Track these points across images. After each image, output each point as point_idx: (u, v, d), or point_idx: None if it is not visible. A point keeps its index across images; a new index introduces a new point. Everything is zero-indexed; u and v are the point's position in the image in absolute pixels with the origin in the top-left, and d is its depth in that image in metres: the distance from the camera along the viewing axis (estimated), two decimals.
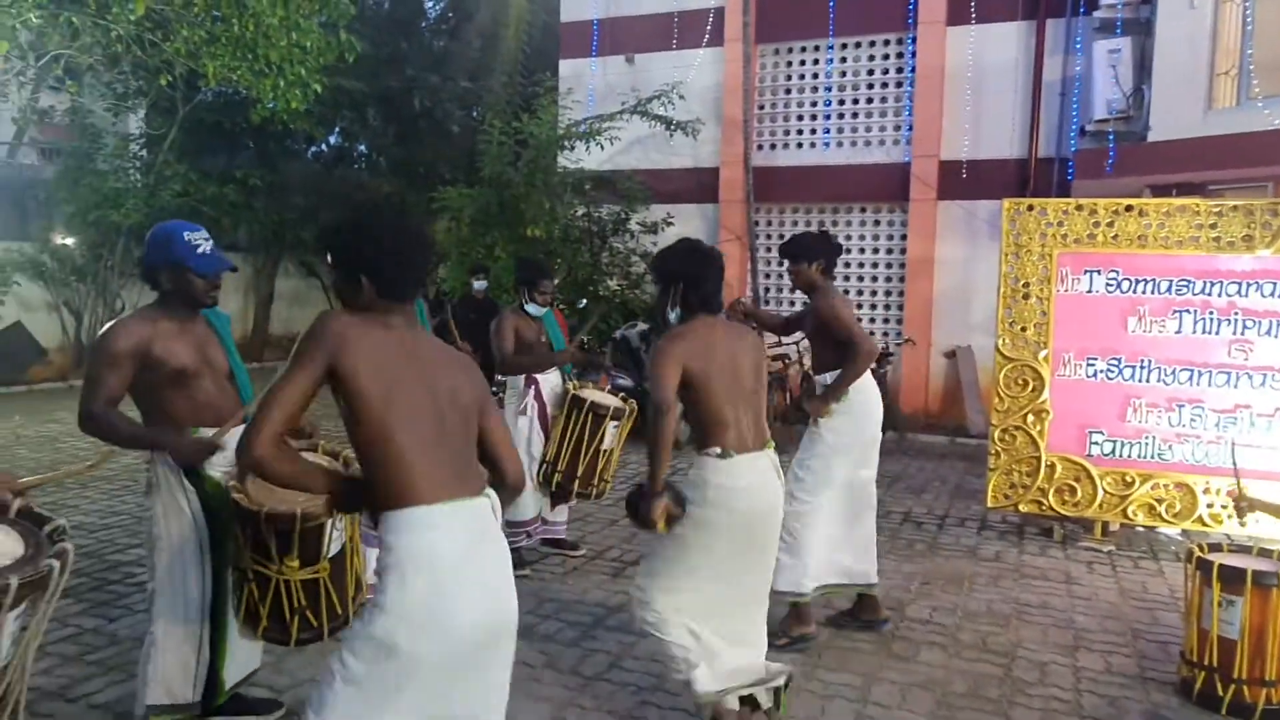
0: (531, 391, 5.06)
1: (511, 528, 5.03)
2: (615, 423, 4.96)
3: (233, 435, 3.04)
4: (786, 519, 3.36)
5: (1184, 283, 5.55)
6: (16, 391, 11.45)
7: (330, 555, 2.93)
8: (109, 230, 12.15)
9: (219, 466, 2.96)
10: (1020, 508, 5.90)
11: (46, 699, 3.36)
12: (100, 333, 2.89)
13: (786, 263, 4.40)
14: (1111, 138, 8.68)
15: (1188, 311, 5.56)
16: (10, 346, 11.89)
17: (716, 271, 3.12)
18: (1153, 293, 5.62)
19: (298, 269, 16.58)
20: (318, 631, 3.00)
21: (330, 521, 2.87)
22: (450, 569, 2.00)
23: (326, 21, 9.63)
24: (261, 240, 15.33)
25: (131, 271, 12.83)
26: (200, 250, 2.90)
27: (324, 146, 16.60)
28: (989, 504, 5.96)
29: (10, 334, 11.91)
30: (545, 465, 4.98)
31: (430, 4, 17.13)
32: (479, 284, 9.03)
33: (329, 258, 2.21)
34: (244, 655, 3.14)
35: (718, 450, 2.96)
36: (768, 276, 11.15)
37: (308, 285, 16.79)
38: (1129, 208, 5.67)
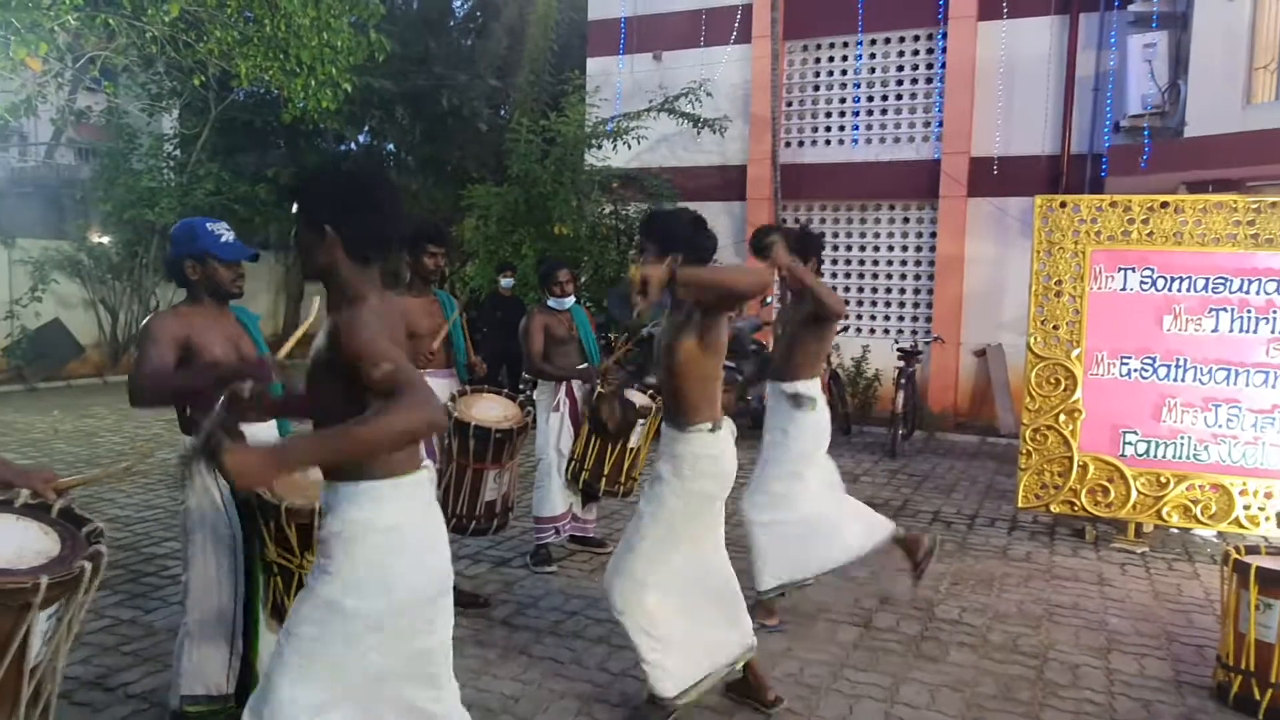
0: (563, 389, 5.08)
1: (540, 523, 5.06)
2: (642, 421, 4.97)
3: (264, 428, 3.09)
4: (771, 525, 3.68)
5: (1221, 280, 5.46)
6: (55, 387, 11.67)
7: None
8: (144, 229, 12.36)
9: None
10: (1052, 508, 5.83)
11: (85, 688, 3.43)
12: (142, 325, 2.96)
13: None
14: (1146, 133, 8.55)
15: (1225, 310, 5.46)
16: (49, 343, 12.13)
17: (712, 252, 3.23)
18: (1189, 291, 5.53)
19: None
20: None
21: None
22: (400, 539, 2.03)
23: (357, 21, 9.72)
24: (292, 238, 15.46)
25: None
26: (223, 239, 2.97)
27: (353, 145, 16.73)
28: (1020, 504, 5.90)
29: (49, 331, 12.15)
30: (573, 463, 5.00)
31: (458, 3, 17.20)
32: (506, 281, 9.08)
33: (294, 207, 2.09)
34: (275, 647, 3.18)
35: (708, 425, 3.12)
36: None
37: None
38: (1164, 204, 5.58)
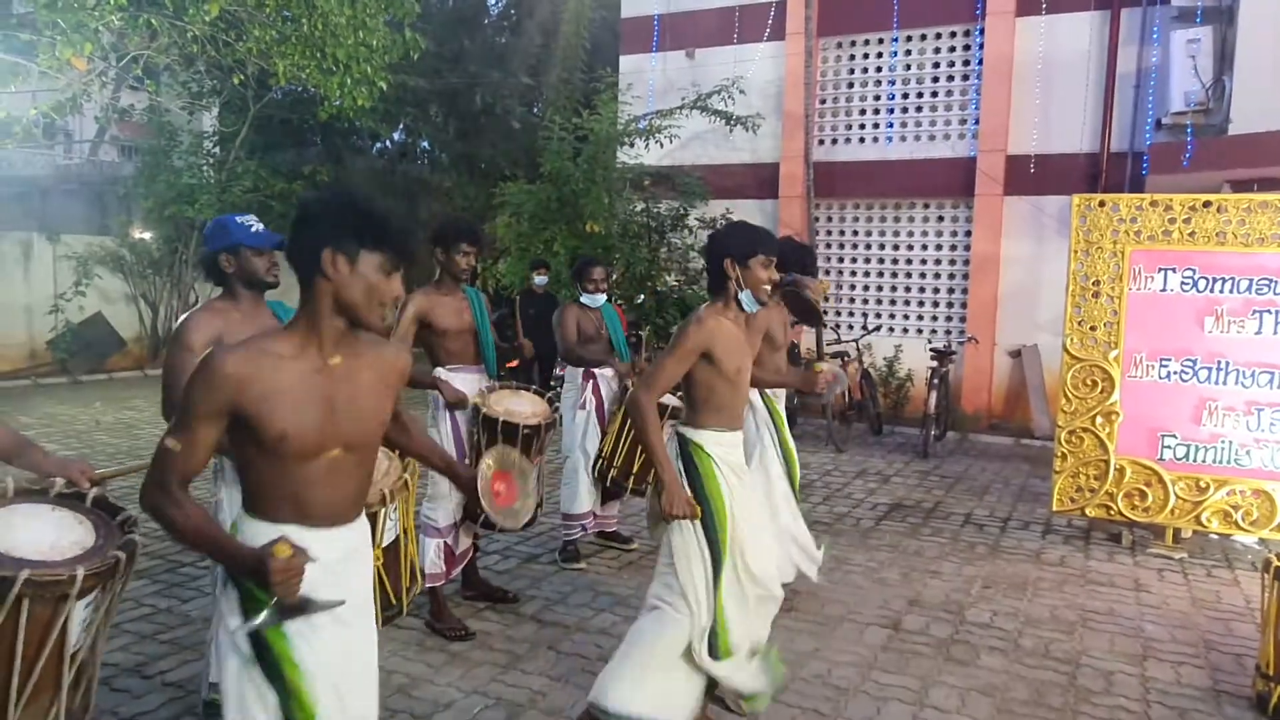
0: (589, 386, 5.10)
1: (568, 520, 5.09)
2: (673, 422, 4.95)
3: None
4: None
5: (1265, 282, 5.33)
6: (97, 379, 11.93)
7: (384, 544, 3.00)
8: (183, 225, 12.58)
9: None
10: (1087, 512, 5.74)
11: (123, 675, 3.50)
12: (175, 327, 2.99)
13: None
14: (1189, 131, 8.36)
15: (1269, 312, 5.33)
16: (91, 336, 12.40)
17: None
18: (1231, 292, 5.41)
19: None
20: None
21: (384, 511, 2.94)
22: None
23: (392, 20, 9.81)
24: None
25: None
26: (253, 229, 3.02)
27: (388, 143, 16.90)
28: (1054, 507, 5.82)
29: (91, 324, 12.42)
30: (601, 461, 5.02)
31: (492, 1, 17.31)
32: (539, 279, 9.12)
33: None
34: None
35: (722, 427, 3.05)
36: (827, 273, 11.02)
37: None
38: (1207, 204, 5.46)
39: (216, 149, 13.74)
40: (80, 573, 1.94)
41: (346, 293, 1.85)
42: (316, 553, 1.85)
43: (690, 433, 3.06)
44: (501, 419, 4.00)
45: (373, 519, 2.92)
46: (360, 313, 1.87)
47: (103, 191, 13.85)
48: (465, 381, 4.16)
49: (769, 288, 3.06)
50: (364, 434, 1.98)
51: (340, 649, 1.94)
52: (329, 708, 1.89)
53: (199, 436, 1.82)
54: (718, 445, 3.02)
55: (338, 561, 1.94)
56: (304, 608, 1.83)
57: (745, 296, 3.02)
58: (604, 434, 5.06)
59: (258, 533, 1.87)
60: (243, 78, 10.17)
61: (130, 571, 2.11)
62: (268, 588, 1.77)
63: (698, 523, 2.94)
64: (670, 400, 5.05)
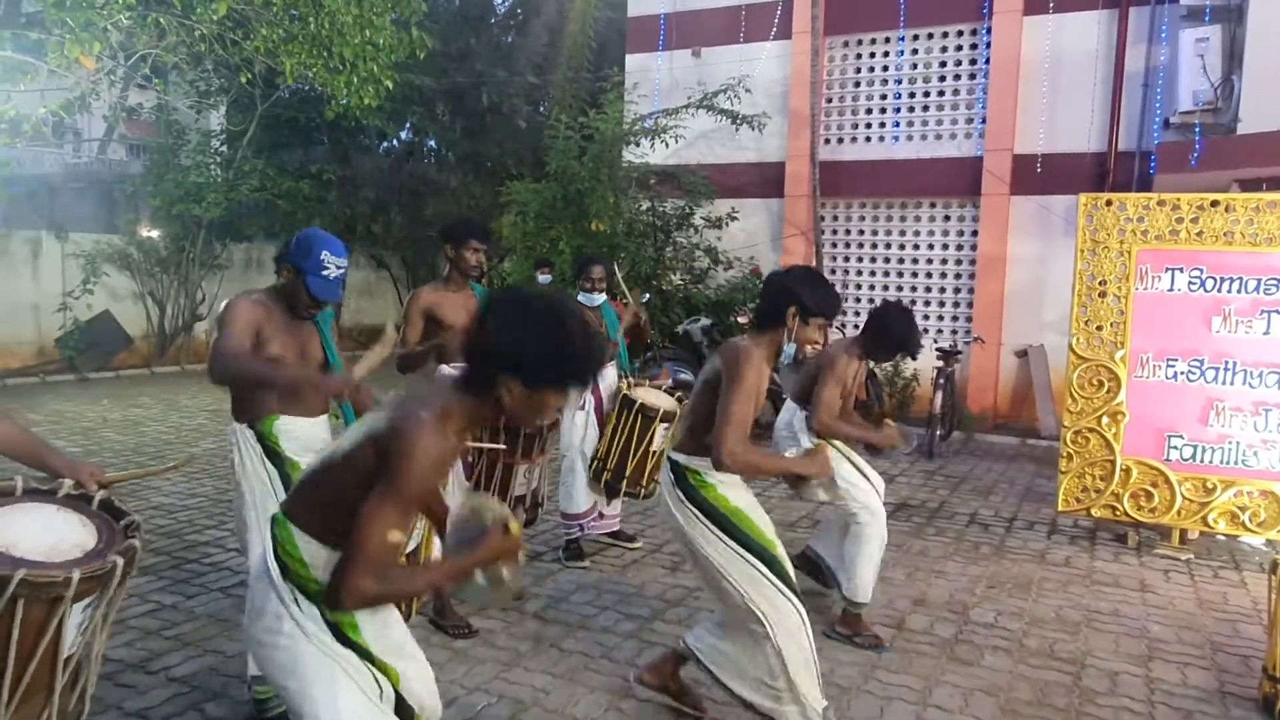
0: (589, 386, 5.09)
1: (566, 519, 5.09)
2: (665, 425, 4.94)
3: (316, 423, 3.14)
4: None
5: (1273, 281, 5.30)
6: (104, 377, 11.98)
7: (405, 552, 3.00)
8: (191, 223, 12.62)
9: (296, 452, 3.06)
10: (1093, 512, 5.72)
11: (128, 671, 3.51)
12: (225, 305, 3.06)
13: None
14: (1198, 130, 8.33)
15: (1277, 312, 5.31)
16: (99, 334, 12.44)
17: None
18: (1239, 292, 5.38)
19: (368, 262, 16.96)
20: None
21: None
22: None
23: (398, 19, 9.82)
24: (334, 233, 15.65)
25: (212, 263, 13.33)
26: (325, 273, 2.99)
27: (395, 142, 16.94)
28: (1060, 508, 5.80)
29: (99, 322, 12.46)
30: (596, 462, 5.01)
31: (499, 0, 17.33)
32: (543, 277, 9.13)
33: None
34: None
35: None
36: (833, 273, 11.00)
37: (378, 277, 17.17)
38: (1215, 203, 5.44)
39: (224, 148, 13.78)
40: (76, 576, 1.93)
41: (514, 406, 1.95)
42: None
43: (691, 461, 3.02)
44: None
45: None
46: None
47: (111, 190, 13.92)
48: None
49: (810, 350, 3.08)
50: None
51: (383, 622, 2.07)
52: (406, 671, 2.05)
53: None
54: (720, 476, 2.98)
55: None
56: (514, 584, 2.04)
57: (790, 349, 2.99)
58: (601, 435, 5.05)
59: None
60: (250, 76, 10.20)
61: (129, 576, 2.11)
62: (502, 559, 1.96)
63: (734, 542, 2.92)
64: (664, 402, 5.03)
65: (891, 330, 4.15)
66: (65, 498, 2.22)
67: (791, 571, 3.00)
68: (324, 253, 2.97)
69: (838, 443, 4.17)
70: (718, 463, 2.84)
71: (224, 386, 3.09)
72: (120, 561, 2.04)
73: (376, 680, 1.98)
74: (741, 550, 2.92)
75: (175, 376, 12.30)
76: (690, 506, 2.98)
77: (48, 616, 1.95)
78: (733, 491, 3.00)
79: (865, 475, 4.19)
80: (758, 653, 2.96)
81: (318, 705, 1.91)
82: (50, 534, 2.07)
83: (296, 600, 1.95)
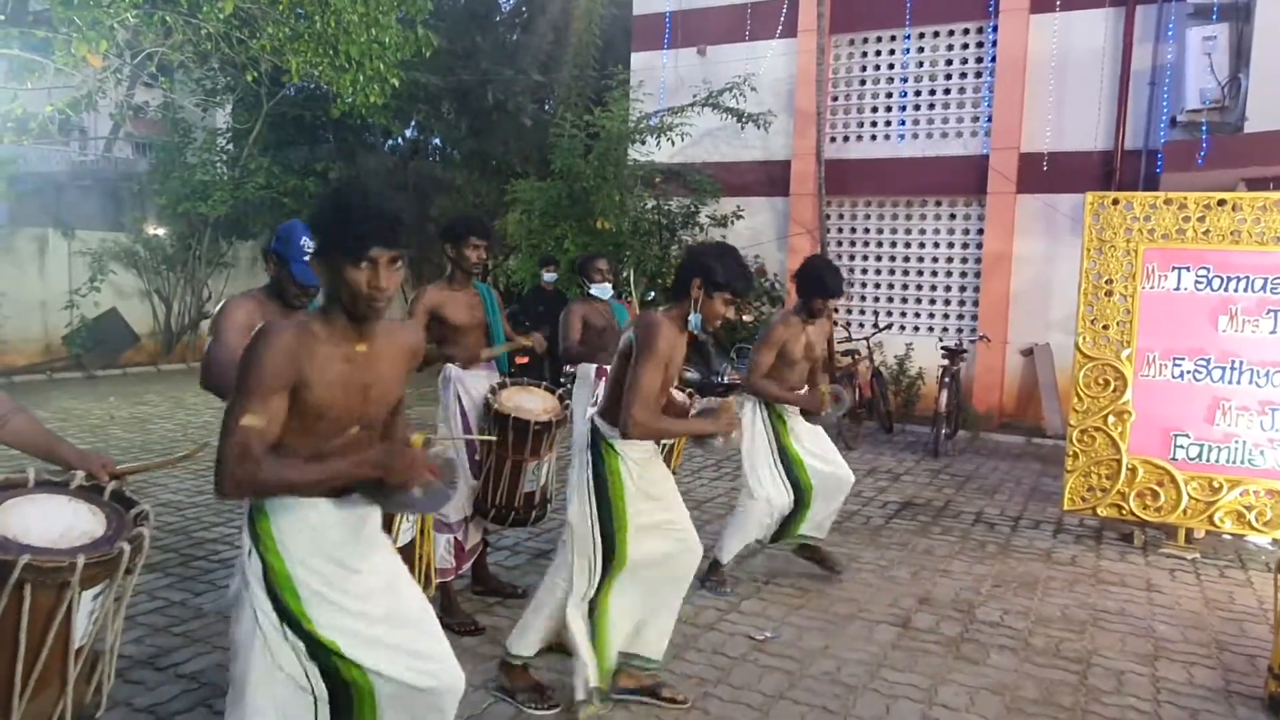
0: (602, 383, 5.09)
1: None
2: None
3: None
4: None
5: None
6: (111, 374, 12.02)
7: (399, 545, 3.01)
8: (197, 221, 12.65)
9: None
10: (1099, 511, 5.71)
11: (137, 667, 3.53)
12: (218, 308, 3.07)
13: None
14: (1204, 129, 8.31)
15: None
16: (106, 331, 12.48)
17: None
18: (1246, 291, 5.37)
19: None
20: None
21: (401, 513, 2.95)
22: None
23: (404, 17, 9.82)
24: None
25: (218, 261, 13.36)
26: (307, 259, 2.98)
27: (400, 140, 16.94)
28: (1065, 507, 5.79)
29: (106, 320, 12.51)
30: None
31: None
32: (549, 276, 9.13)
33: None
34: None
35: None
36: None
37: None
38: (1221, 202, 5.43)
39: (230, 146, 13.81)
40: (81, 560, 1.94)
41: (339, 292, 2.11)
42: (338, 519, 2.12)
43: (605, 429, 3.16)
44: (512, 415, 4.02)
45: (389, 519, 2.94)
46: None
47: (117, 188, 13.94)
48: (476, 378, 4.18)
49: (719, 323, 3.22)
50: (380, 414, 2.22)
51: (358, 608, 2.11)
52: (371, 658, 2.09)
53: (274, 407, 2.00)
54: (628, 445, 3.13)
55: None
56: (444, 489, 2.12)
57: (695, 319, 3.14)
58: None
59: (284, 505, 2.08)
60: (256, 75, 10.21)
61: (138, 564, 2.12)
62: (405, 477, 2.02)
63: (597, 517, 3.12)
64: (678, 397, 5.04)
65: (807, 274, 4.56)
66: (77, 489, 2.24)
67: (621, 564, 3.14)
68: (303, 239, 3.00)
69: (795, 434, 4.60)
70: (625, 431, 3.02)
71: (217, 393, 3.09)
72: (127, 548, 2.06)
73: (304, 654, 2.05)
74: (595, 525, 3.13)
75: (182, 374, 12.33)
76: (589, 469, 3.16)
77: (56, 603, 1.96)
78: (635, 470, 3.14)
79: (803, 465, 4.56)
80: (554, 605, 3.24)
81: (234, 681, 2.09)
82: (59, 522, 2.09)
83: (249, 583, 2.07)
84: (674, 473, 5.08)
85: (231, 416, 1.97)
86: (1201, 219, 5.44)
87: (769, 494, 4.52)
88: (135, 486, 5.83)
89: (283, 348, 1.97)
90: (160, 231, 13.08)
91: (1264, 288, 5.33)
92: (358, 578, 2.12)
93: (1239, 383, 5.39)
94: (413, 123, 16.13)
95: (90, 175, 15.33)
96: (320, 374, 2.02)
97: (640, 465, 3.17)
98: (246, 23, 9.30)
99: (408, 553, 3.07)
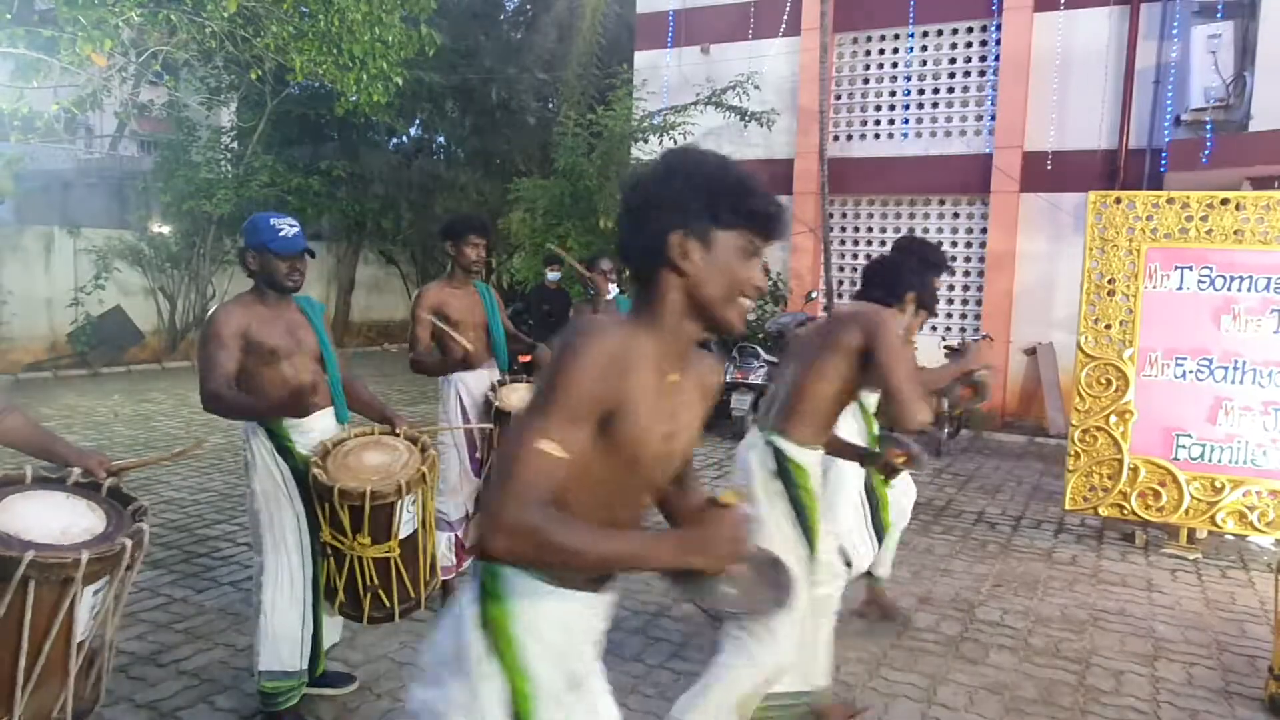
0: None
1: None
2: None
3: (320, 416, 3.17)
4: None
5: None
6: (116, 372, 12.06)
7: (401, 537, 3.03)
8: (201, 219, 12.69)
9: (307, 446, 3.09)
10: (1100, 511, 5.71)
11: (139, 663, 3.55)
12: (206, 319, 3.07)
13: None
14: (1209, 127, 8.29)
15: None
16: (111, 329, 12.53)
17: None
18: (1249, 290, 5.36)
19: (378, 258, 17.03)
20: (389, 612, 3.11)
21: (401, 503, 2.97)
22: None
23: (408, 16, 9.84)
24: (343, 229, 15.81)
25: (222, 259, 13.40)
26: (282, 234, 3.03)
27: (404, 138, 16.97)
28: (1067, 506, 5.79)
29: (111, 317, 12.55)
30: None
31: None
32: (552, 275, 9.14)
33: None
34: (330, 628, 3.28)
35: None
36: (841, 269, 11.00)
37: (387, 274, 17.24)
38: (1225, 201, 5.41)
39: (234, 144, 13.85)
40: (85, 556, 1.96)
41: (704, 287, 1.50)
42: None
43: (790, 446, 2.86)
44: (513, 412, 4.03)
45: (389, 511, 2.96)
46: (716, 309, 1.52)
47: (122, 186, 14.00)
48: (477, 376, 4.19)
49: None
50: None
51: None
52: None
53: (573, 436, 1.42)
54: (808, 454, 2.88)
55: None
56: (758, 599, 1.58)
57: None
58: None
59: (536, 595, 1.53)
60: (260, 73, 10.24)
61: (138, 560, 2.14)
62: (728, 554, 1.43)
63: (807, 549, 2.81)
64: None
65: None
66: (74, 485, 2.26)
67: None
68: (270, 220, 3.04)
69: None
70: (910, 423, 2.72)
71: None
72: (129, 544, 2.08)
73: None
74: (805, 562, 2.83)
75: (186, 371, 12.36)
76: (784, 500, 2.80)
77: (59, 599, 1.98)
78: (816, 482, 2.89)
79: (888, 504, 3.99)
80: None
81: None
82: (59, 519, 2.10)
83: (479, 699, 1.52)
84: None
85: (521, 441, 1.39)
86: (1204, 218, 5.43)
87: (854, 543, 3.80)
88: (138, 483, 5.84)
89: (607, 357, 1.41)
90: (165, 229, 13.12)
91: (1267, 287, 5.31)
92: (589, 696, 1.70)
93: (1241, 383, 5.38)
94: (417, 121, 16.18)
95: (95, 173, 15.39)
96: (641, 403, 1.46)
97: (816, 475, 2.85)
98: (251, 21, 9.33)
99: (410, 545, 3.08)
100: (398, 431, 3.21)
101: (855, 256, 11.10)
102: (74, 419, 8.66)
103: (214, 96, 13.20)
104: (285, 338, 3.07)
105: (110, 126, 14.46)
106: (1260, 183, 7.54)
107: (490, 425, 4.01)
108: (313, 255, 3.19)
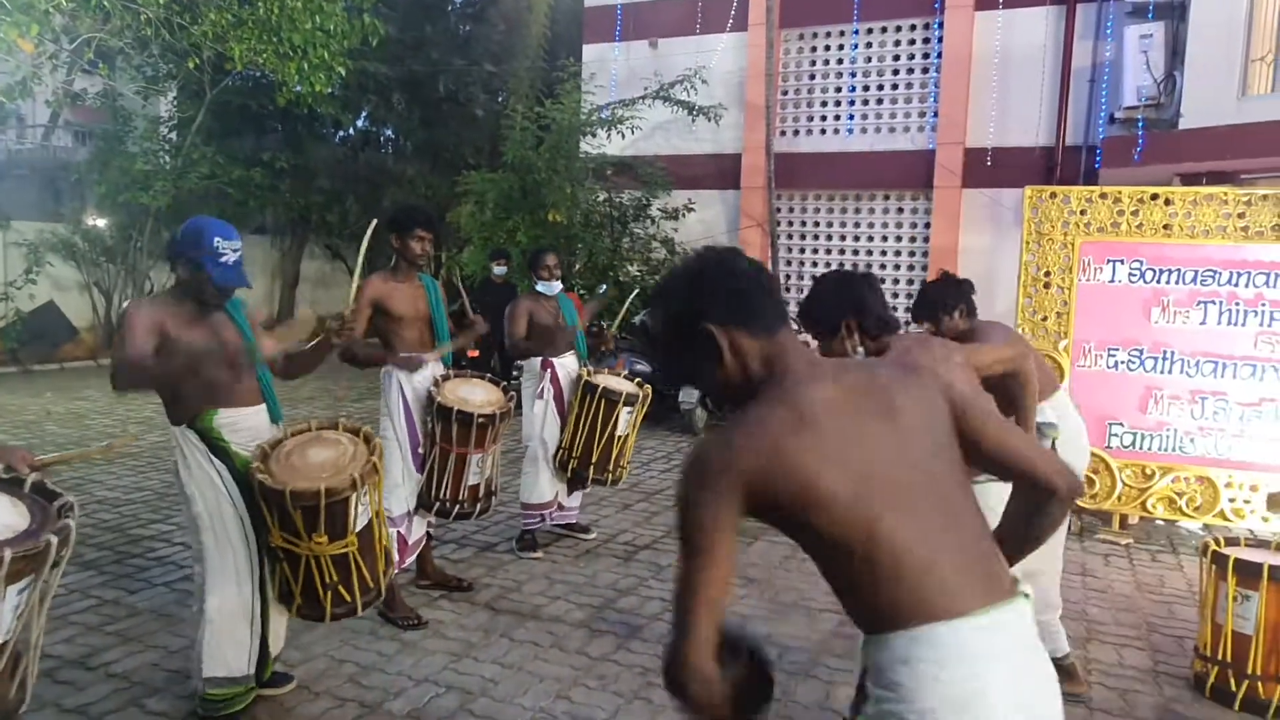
0: (548, 375, 5.09)
1: (527, 510, 5.08)
2: (629, 409, 4.98)
3: (253, 412, 3.10)
4: None
5: (1210, 273, 5.46)
6: (48, 369, 11.68)
7: (357, 529, 2.99)
8: (138, 212, 12.34)
9: (242, 444, 3.02)
10: None
11: (67, 667, 3.45)
12: (122, 311, 2.98)
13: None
14: (1141, 125, 8.53)
15: (1213, 302, 5.46)
16: (43, 325, 12.13)
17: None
18: (1177, 283, 5.53)
19: (323, 252, 16.74)
20: (351, 606, 3.07)
21: (354, 496, 2.93)
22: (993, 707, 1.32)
23: (351, 5, 9.69)
24: (287, 223, 15.50)
25: (160, 253, 13.04)
26: (223, 259, 2.89)
27: (350, 130, 16.69)
28: None
29: (43, 313, 12.15)
30: (561, 451, 5.02)
31: None
32: (499, 269, 9.08)
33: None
34: (279, 630, 3.21)
35: None
36: (788, 264, 11.09)
37: (333, 268, 16.94)
38: (1154, 196, 5.58)
39: (173, 135, 13.49)
40: (7, 555, 1.90)
41: None
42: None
43: None
44: (456, 408, 3.99)
45: (344, 504, 2.91)
46: None
47: (55, 177, 13.53)
48: (421, 370, 4.13)
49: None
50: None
51: None
52: None
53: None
54: None
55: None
56: None
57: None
58: (563, 424, 5.07)
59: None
60: (198, 62, 10.00)
61: (65, 558, 2.07)
62: None
63: None
64: (625, 386, 5.06)
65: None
66: None
67: None
68: (215, 239, 2.88)
69: None
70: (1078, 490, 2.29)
71: (128, 394, 3.01)
72: (54, 540, 2.01)
73: None
74: None
75: None
76: None
77: None
78: None
79: None
80: None
81: None
82: None
83: None
84: (623, 467, 5.12)
85: (687, 584, 1.27)
86: (1135, 213, 5.59)
87: None
88: (69, 483, 5.66)
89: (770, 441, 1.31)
90: (100, 222, 12.73)
91: (1194, 280, 5.49)
92: None
93: (1170, 372, 5.56)
94: (363, 113, 15.92)
95: (27, 164, 14.85)
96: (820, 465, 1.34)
97: None
98: (188, 8, 9.11)
99: (367, 536, 3.04)
100: (338, 425, 3.17)
101: (803, 251, 11.20)
102: (3, 418, 8.37)
103: (151, 86, 12.84)
104: (206, 338, 2.97)
105: (42, 116, 14.01)
106: (1189, 179, 7.78)
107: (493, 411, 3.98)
108: (250, 288, 3.07)
